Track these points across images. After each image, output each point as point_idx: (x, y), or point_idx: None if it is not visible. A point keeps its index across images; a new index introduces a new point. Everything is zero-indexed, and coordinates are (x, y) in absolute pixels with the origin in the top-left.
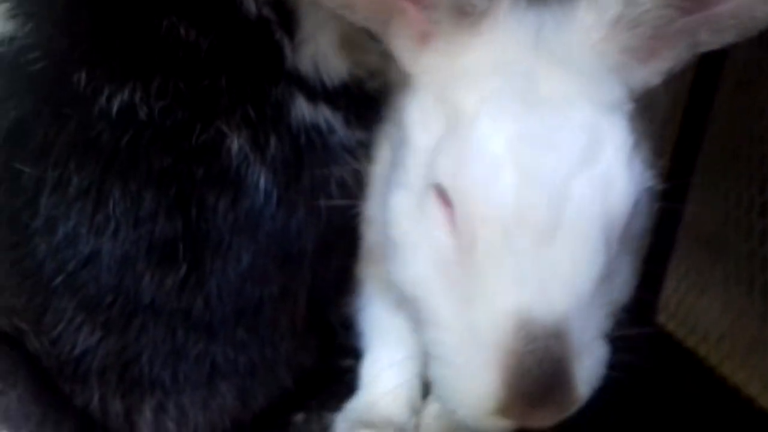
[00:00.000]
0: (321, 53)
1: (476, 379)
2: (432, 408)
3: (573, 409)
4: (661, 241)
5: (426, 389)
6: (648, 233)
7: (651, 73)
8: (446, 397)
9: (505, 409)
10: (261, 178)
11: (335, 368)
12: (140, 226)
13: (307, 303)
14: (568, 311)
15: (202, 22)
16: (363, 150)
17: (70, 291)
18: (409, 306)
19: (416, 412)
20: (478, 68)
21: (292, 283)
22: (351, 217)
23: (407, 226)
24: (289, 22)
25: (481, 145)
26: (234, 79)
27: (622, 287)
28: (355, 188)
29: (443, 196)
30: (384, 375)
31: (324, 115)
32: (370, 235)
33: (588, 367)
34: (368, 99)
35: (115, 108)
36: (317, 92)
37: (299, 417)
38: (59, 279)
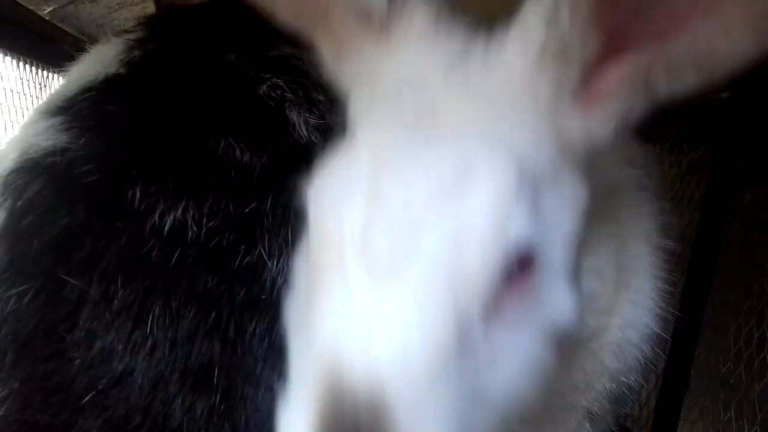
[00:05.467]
0: None
1: (295, 412)
2: None
3: None
4: (673, 383)
5: None
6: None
7: (594, 121)
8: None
9: None
10: None
11: None
12: (177, 346)
13: None
14: (391, 378)
15: (257, 145)
16: None
17: (98, 410)
18: None
19: None
20: (378, 82)
21: None
22: None
23: None
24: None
25: (341, 162)
26: (279, 202)
27: (503, 385)
28: None
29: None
30: None
31: None
32: None
33: None
34: None
35: (167, 225)
36: None
37: None
38: (89, 396)
